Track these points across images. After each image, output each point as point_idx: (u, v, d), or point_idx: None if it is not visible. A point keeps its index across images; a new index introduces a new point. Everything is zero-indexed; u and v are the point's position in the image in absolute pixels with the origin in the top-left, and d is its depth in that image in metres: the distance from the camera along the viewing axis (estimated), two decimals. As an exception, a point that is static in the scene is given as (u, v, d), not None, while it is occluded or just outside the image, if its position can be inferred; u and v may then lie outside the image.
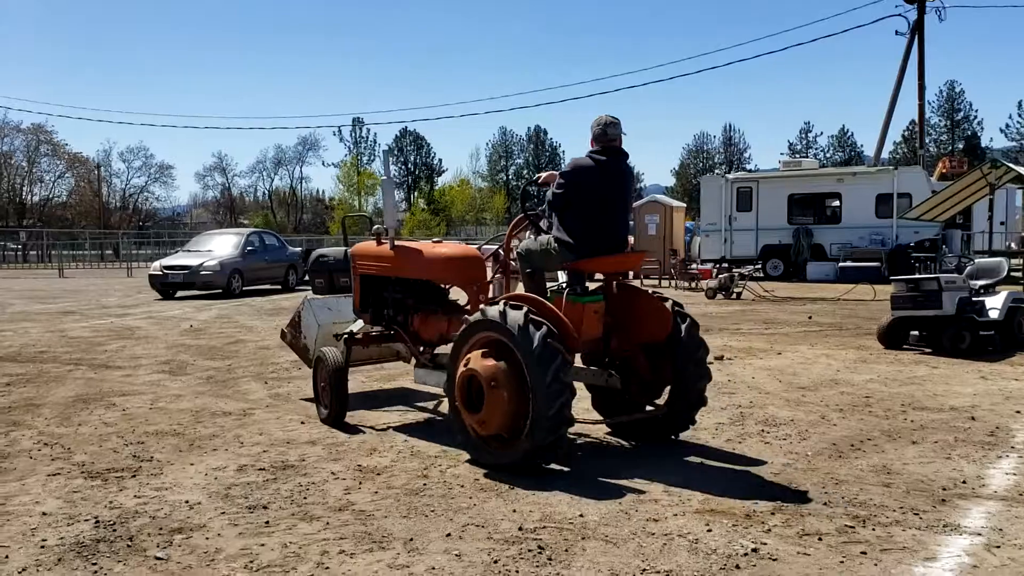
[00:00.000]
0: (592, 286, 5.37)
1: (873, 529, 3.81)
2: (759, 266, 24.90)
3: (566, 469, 4.87)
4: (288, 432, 5.89)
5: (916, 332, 9.81)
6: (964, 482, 4.53)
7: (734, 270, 19.89)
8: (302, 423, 6.16)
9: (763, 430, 5.76)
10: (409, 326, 6.31)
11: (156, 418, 6.39)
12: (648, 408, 5.52)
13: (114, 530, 3.92)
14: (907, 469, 4.79)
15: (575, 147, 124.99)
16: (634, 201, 5.25)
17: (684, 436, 5.59)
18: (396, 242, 6.20)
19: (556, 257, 5.34)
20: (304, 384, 7.72)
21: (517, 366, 4.71)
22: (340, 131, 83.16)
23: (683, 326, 5.24)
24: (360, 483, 4.63)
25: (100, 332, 12.22)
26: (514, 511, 4.11)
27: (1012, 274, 13.70)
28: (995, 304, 9.58)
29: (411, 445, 5.46)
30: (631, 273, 24.15)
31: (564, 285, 5.32)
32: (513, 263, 5.82)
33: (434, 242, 6.33)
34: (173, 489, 4.56)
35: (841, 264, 23.06)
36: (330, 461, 5.10)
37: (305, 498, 4.38)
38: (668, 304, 5.30)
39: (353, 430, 5.97)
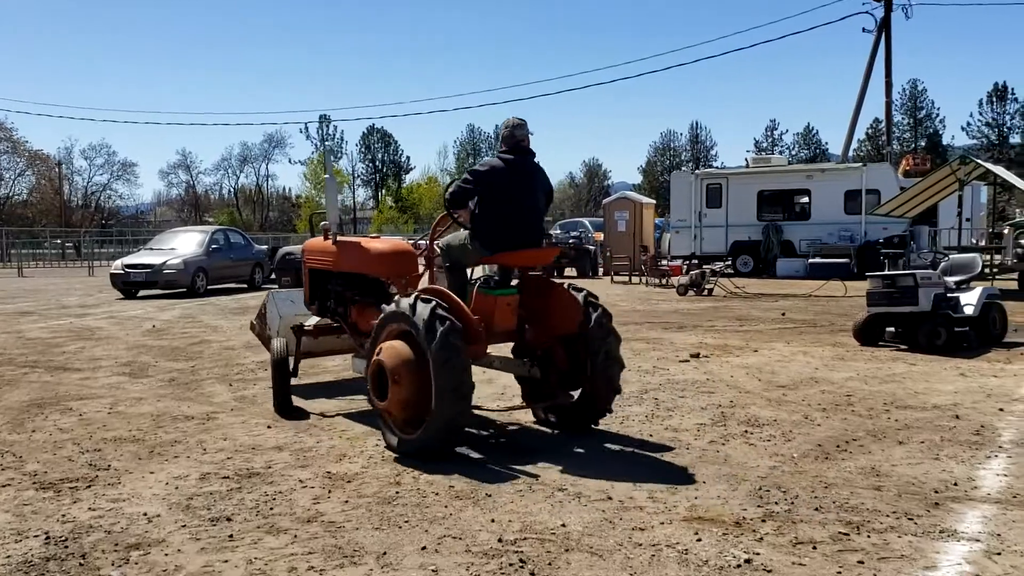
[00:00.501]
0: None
1: (868, 536, 3.66)
2: (729, 262, 24.94)
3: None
4: (254, 437, 5.64)
5: (892, 328, 9.75)
6: (956, 484, 4.40)
7: (705, 267, 19.86)
8: (268, 427, 5.91)
9: (746, 431, 5.60)
10: (348, 318, 6.53)
11: (115, 423, 6.09)
12: (562, 397, 5.69)
13: (66, 547, 3.66)
14: (896, 471, 4.65)
15: (542, 145, 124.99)
16: (549, 197, 5.92)
17: (666, 438, 5.43)
18: (339, 238, 6.38)
19: (473, 252, 5.64)
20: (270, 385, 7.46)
21: (419, 350, 4.92)
22: (307, 128, 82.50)
23: (594, 316, 5.41)
24: (329, 492, 4.40)
25: (58, 333, 11.82)
26: (492, 521, 3.91)
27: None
28: (970, 300, 9.55)
29: (382, 450, 5.23)
30: (596, 269, 24.18)
31: (483, 278, 5.68)
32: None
33: (372, 237, 6.54)
34: (131, 500, 4.30)
35: (810, 260, 23.14)
36: (298, 468, 4.86)
37: (271, 509, 4.14)
38: (580, 296, 5.52)
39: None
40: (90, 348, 10.15)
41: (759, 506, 4.07)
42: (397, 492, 4.37)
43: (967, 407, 6.27)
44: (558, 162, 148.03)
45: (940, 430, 5.58)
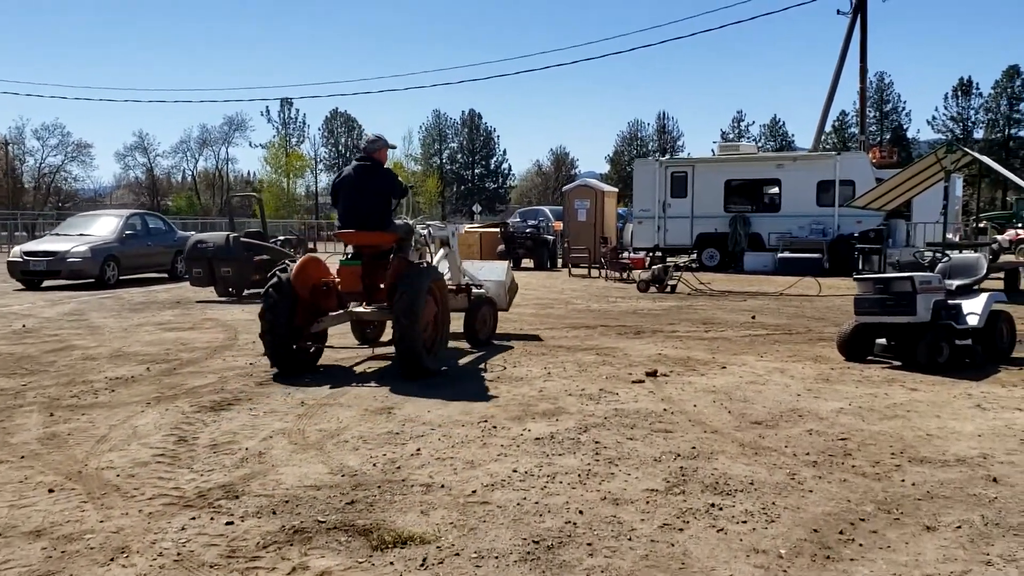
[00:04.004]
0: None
1: None
2: (694, 256, 23.54)
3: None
4: (16, 511, 3.95)
5: (883, 341, 8.28)
6: (1034, 622, 2.86)
7: (669, 260, 18.39)
8: (50, 491, 4.22)
9: (712, 504, 4.03)
10: None
11: None
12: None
13: None
14: (936, 589, 3.11)
15: (509, 131, 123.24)
16: (383, 193, 7.67)
17: (602, 517, 3.83)
18: None
19: None
20: (102, 415, 5.77)
21: None
22: (268, 111, 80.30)
23: (400, 288, 7.03)
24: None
25: (-97, 333, 9.96)
26: None
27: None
28: (974, 308, 8.07)
29: (188, 536, 3.58)
30: (555, 261, 22.64)
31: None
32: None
33: None
34: None
35: (780, 255, 21.75)
36: (37, 578, 3.20)
37: None
38: (395, 273, 7.32)
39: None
40: (-79, 356, 8.35)
41: (734, 677, 2.49)
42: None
43: (1001, 461, 4.75)
44: (525, 150, 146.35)
45: (978, 503, 4.05)
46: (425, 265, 7.65)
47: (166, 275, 19.11)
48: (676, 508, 3.97)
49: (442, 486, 4.28)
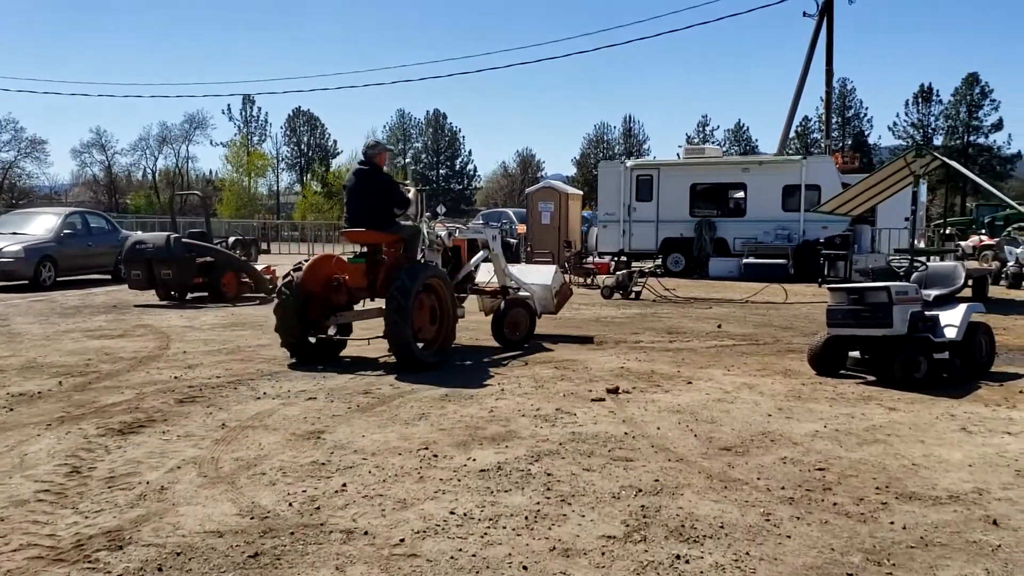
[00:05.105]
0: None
1: None
2: (660, 261, 23.13)
3: None
4: None
5: (856, 353, 7.82)
6: None
7: (634, 266, 17.91)
8: (-103, 541, 3.56)
9: (678, 556, 3.47)
10: None
11: None
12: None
13: None
14: (946, 674, 2.58)
15: (475, 132, 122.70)
16: (378, 194, 8.09)
17: (550, 573, 3.27)
18: None
19: None
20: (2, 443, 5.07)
21: None
22: (229, 108, 78.94)
23: (391, 286, 7.40)
24: None
25: None
26: None
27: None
28: (952, 320, 7.64)
29: (45, 608, 2.94)
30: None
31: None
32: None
33: None
34: None
35: (745, 260, 21.38)
36: None
37: None
38: (389, 270, 7.84)
39: None
40: None
41: None
42: None
43: (999, 497, 4.26)
44: (491, 151, 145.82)
45: (980, 553, 3.54)
46: (429, 263, 8.13)
47: (108, 276, 18.25)
48: (636, 561, 3.41)
49: (365, 533, 3.68)
